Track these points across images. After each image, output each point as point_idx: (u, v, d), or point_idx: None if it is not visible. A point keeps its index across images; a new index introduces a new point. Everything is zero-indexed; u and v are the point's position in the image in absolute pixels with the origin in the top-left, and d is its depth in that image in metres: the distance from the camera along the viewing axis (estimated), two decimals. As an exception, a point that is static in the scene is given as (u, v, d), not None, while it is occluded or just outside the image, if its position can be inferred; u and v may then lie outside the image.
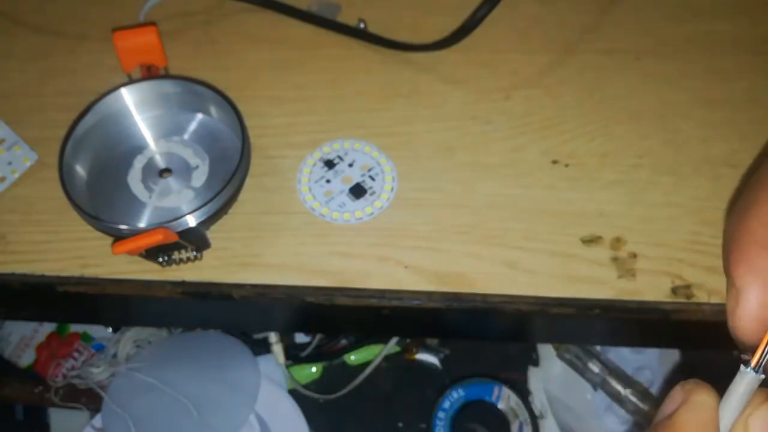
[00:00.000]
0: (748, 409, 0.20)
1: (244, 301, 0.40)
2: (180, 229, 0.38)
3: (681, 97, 0.46)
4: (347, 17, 0.50)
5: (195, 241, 0.39)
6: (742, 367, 0.20)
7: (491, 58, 0.49)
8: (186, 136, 0.45)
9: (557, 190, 0.43)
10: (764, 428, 0.19)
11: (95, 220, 0.39)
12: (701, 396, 0.20)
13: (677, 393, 0.21)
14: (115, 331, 0.74)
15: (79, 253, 0.41)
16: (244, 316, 0.47)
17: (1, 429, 0.77)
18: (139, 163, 0.44)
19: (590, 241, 0.41)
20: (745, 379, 0.20)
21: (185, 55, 0.49)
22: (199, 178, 0.43)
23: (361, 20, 0.50)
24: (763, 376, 0.20)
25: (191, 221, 0.39)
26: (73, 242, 0.41)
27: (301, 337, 0.76)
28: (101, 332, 0.76)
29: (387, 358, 0.74)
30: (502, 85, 0.47)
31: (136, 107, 0.45)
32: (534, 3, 0.52)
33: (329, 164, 0.44)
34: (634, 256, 0.40)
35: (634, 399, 0.64)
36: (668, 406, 0.21)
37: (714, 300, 0.38)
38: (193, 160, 0.44)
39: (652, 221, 0.41)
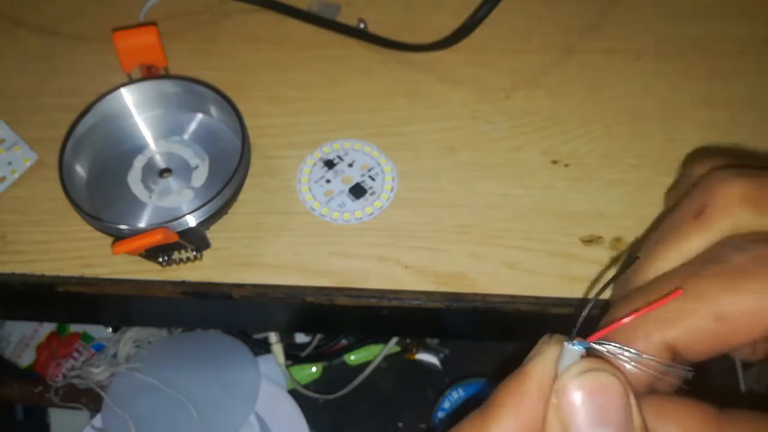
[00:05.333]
0: (566, 375, 0.21)
1: (244, 301, 0.40)
2: (180, 229, 0.38)
3: (681, 97, 0.46)
4: (347, 17, 0.50)
5: (195, 241, 0.39)
6: (566, 343, 0.21)
7: (491, 58, 0.49)
8: (186, 136, 0.45)
9: (557, 190, 0.43)
10: (574, 396, 0.21)
11: (95, 220, 0.39)
12: (547, 353, 0.22)
13: (537, 345, 0.22)
14: (115, 331, 0.74)
15: (79, 253, 0.41)
16: (244, 316, 0.47)
17: (1, 429, 0.77)
18: (139, 163, 0.44)
19: (590, 241, 0.41)
20: (568, 353, 0.21)
21: (185, 55, 0.49)
22: (199, 178, 0.43)
23: (361, 20, 0.50)
24: (580, 350, 0.21)
25: (191, 221, 0.39)
26: (73, 242, 0.41)
27: (301, 337, 0.76)
28: (101, 332, 0.76)
29: (387, 358, 0.74)
30: (502, 85, 0.47)
31: (136, 107, 0.45)
32: (534, 3, 0.52)
33: (329, 164, 0.44)
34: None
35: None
36: (530, 355, 0.22)
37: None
38: (193, 160, 0.44)
39: (652, 221, 0.41)
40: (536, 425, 0.21)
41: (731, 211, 0.26)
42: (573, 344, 0.21)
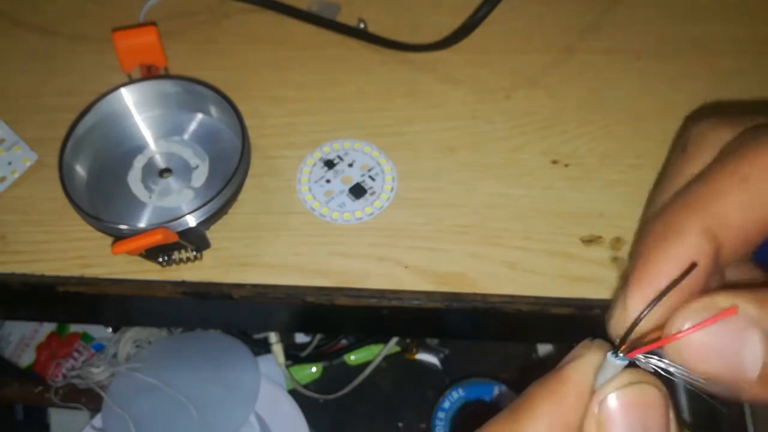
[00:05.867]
0: (608, 388, 0.20)
1: (244, 301, 0.40)
2: (180, 229, 0.38)
3: (681, 97, 0.46)
4: (347, 17, 0.50)
5: (195, 241, 0.39)
6: (609, 354, 0.21)
7: (491, 58, 0.49)
8: (186, 136, 0.45)
9: (557, 190, 0.43)
10: (616, 409, 0.20)
11: (95, 220, 0.39)
12: (588, 359, 0.21)
13: (578, 347, 0.22)
14: (115, 331, 0.74)
15: (79, 253, 0.41)
16: (244, 316, 0.47)
17: (1, 429, 0.77)
18: (139, 163, 0.44)
19: (590, 241, 0.41)
20: (609, 365, 0.21)
21: (185, 55, 0.49)
22: (199, 178, 0.43)
23: (361, 20, 0.50)
24: (622, 363, 0.20)
25: (191, 221, 0.39)
26: (73, 242, 0.41)
27: (301, 337, 0.76)
28: (101, 332, 0.76)
29: (387, 358, 0.74)
30: (502, 85, 0.47)
31: (136, 107, 0.45)
32: (534, 3, 0.51)
33: (329, 164, 0.44)
34: (634, 256, 0.40)
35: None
36: (567, 357, 0.22)
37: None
38: (193, 160, 0.44)
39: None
40: (570, 430, 0.20)
41: (711, 135, 0.25)
42: (616, 356, 0.20)
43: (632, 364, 0.21)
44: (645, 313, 0.20)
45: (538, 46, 0.49)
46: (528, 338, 0.66)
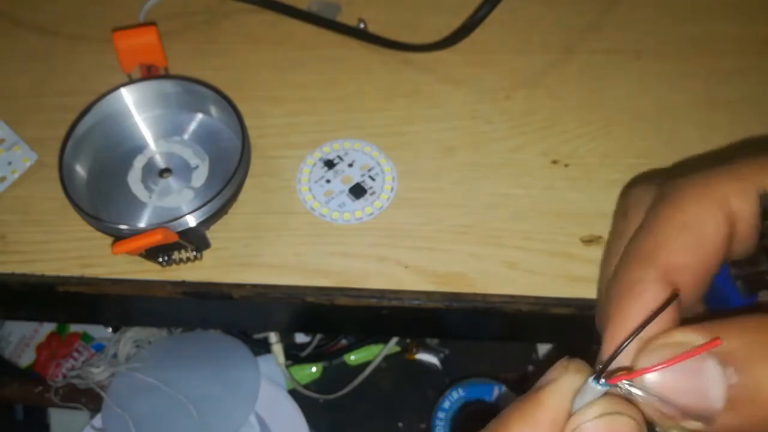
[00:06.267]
0: (584, 415, 0.20)
1: (244, 301, 0.40)
2: (180, 229, 0.38)
3: (681, 97, 0.46)
4: (347, 17, 0.50)
5: (195, 241, 0.39)
6: (590, 380, 0.21)
7: (491, 58, 0.49)
8: (186, 136, 0.45)
9: (557, 190, 0.43)
10: None
11: (95, 220, 0.39)
12: (564, 383, 0.21)
13: (555, 368, 0.22)
14: (115, 331, 0.74)
15: (79, 253, 0.41)
16: (244, 316, 0.47)
17: (1, 429, 0.77)
18: (139, 163, 0.44)
19: (590, 241, 0.41)
20: (589, 389, 0.21)
21: (185, 55, 0.49)
22: (199, 178, 0.43)
23: (361, 20, 0.50)
24: (602, 389, 0.20)
25: (191, 221, 0.39)
26: (73, 242, 0.41)
27: (301, 337, 0.76)
28: (101, 332, 0.76)
29: (387, 358, 0.74)
30: (502, 85, 0.47)
31: (136, 107, 0.45)
32: (534, 3, 0.51)
33: (329, 164, 0.44)
34: (634, 256, 0.40)
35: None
36: (544, 378, 0.22)
37: (714, 300, 0.38)
38: (193, 160, 0.44)
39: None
40: None
41: (646, 197, 0.27)
42: (597, 382, 0.20)
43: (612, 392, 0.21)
44: (626, 344, 0.21)
45: (538, 46, 0.49)
46: (528, 338, 0.66)
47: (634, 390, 0.20)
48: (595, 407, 0.20)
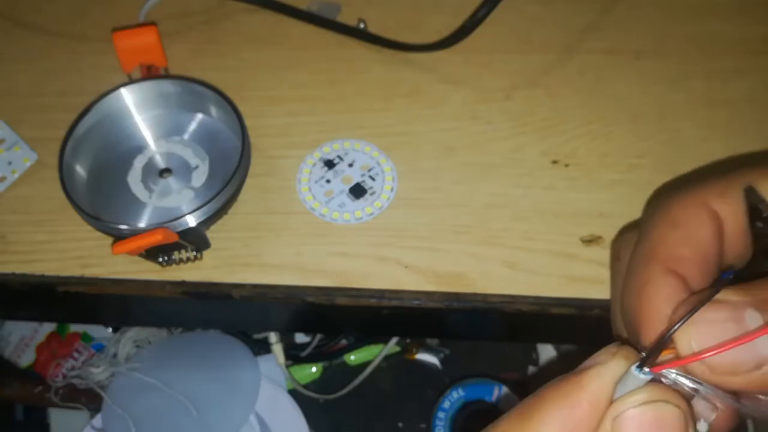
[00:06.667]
0: (626, 403, 0.20)
1: (244, 301, 0.40)
2: (180, 229, 0.38)
3: (681, 97, 0.46)
4: (347, 17, 0.50)
5: (195, 241, 0.39)
6: (633, 367, 0.20)
7: (491, 58, 0.49)
8: (186, 136, 0.45)
9: (557, 190, 0.43)
10: (631, 427, 0.20)
11: (95, 220, 0.39)
12: (609, 368, 0.21)
13: (602, 353, 0.21)
14: (115, 331, 0.74)
15: (79, 253, 0.41)
16: (244, 316, 0.47)
17: (1, 429, 0.77)
18: (139, 163, 0.44)
19: (590, 241, 0.41)
20: (632, 378, 0.20)
21: (185, 55, 0.49)
22: (199, 178, 0.43)
23: (361, 20, 0.50)
24: (645, 377, 0.20)
25: (191, 221, 0.39)
26: (73, 242, 0.41)
27: (301, 337, 0.76)
28: (101, 332, 0.76)
29: (387, 358, 0.74)
30: (502, 85, 0.47)
31: (136, 107, 0.45)
32: (534, 3, 0.51)
33: (329, 164, 0.44)
34: (634, 256, 0.40)
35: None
36: (589, 361, 0.21)
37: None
38: (193, 160, 0.44)
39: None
40: None
41: (632, 238, 0.28)
42: (641, 370, 0.20)
43: (655, 379, 0.20)
44: (675, 329, 0.20)
45: (538, 46, 0.49)
46: (528, 338, 0.66)
47: (681, 379, 0.20)
48: (640, 394, 0.20)
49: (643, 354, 0.21)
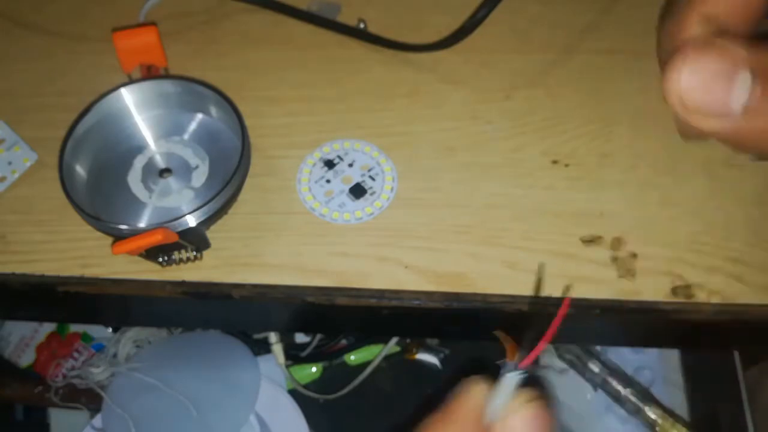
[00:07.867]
0: (510, 406, 0.24)
1: (244, 301, 0.40)
2: (180, 229, 0.38)
3: (681, 97, 0.46)
4: (347, 17, 0.50)
5: (195, 241, 0.39)
6: (505, 367, 0.24)
7: (491, 58, 0.49)
8: (186, 136, 0.45)
9: (557, 190, 0.43)
10: (520, 427, 0.24)
11: (95, 220, 0.39)
12: (474, 388, 0.25)
13: (458, 387, 0.25)
14: (115, 331, 0.74)
15: (79, 253, 0.41)
16: (244, 316, 0.47)
17: (1, 429, 0.77)
18: (139, 163, 0.44)
19: (590, 241, 0.41)
20: (507, 379, 0.24)
21: (185, 55, 0.49)
22: (199, 178, 0.43)
23: (361, 20, 0.50)
24: (519, 375, 0.24)
25: (191, 221, 0.39)
26: (73, 242, 0.41)
27: (301, 337, 0.76)
28: (101, 332, 0.76)
29: (387, 358, 0.74)
30: (502, 85, 0.47)
31: (136, 107, 0.45)
32: (534, 3, 0.52)
33: (329, 164, 0.44)
34: (634, 256, 0.40)
35: (634, 399, 0.64)
36: (450, 396, 0.25)
37: (714, 300, 0.38)
38: (193, 160, 0.44)
39: (652, 221, 0.41)
40: None
41: None
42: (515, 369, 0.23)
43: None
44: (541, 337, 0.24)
45: (538, 46, 0.49)
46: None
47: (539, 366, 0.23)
48: (513, 402, 0.24)
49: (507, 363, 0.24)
